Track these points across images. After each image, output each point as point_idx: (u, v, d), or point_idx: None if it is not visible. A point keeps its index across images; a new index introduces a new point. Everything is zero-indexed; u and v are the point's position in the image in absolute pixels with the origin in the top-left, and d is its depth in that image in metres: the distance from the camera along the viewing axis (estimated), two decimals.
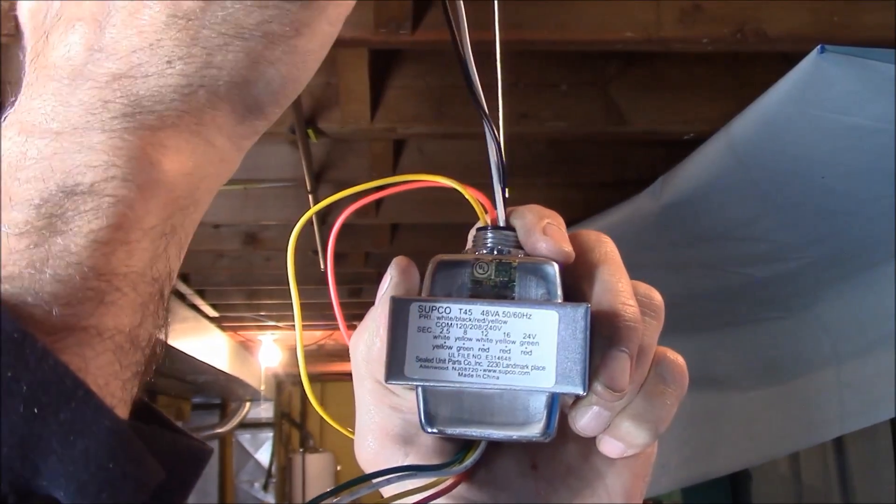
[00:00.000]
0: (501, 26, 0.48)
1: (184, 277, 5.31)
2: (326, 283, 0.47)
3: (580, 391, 0.37)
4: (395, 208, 3.88)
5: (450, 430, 0.39)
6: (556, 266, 0.39)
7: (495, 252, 0.40)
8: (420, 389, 0.39)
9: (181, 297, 5.80)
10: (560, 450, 0.43)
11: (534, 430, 0.38)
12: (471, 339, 0.38)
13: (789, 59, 1.66)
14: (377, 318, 0.41)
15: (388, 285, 0.41)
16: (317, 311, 7.44)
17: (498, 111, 0.46)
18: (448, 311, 0.38)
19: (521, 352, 0.37)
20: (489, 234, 0.41)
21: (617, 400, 0.39)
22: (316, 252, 4.36)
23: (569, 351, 0.37)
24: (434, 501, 0.40)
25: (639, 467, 0.44)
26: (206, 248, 4.76)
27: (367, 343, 0.42)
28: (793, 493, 4.77)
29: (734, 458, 3.44)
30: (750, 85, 2.11)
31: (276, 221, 4.20)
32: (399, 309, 0.38)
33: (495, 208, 0.42)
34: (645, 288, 0.41)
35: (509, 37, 1.79)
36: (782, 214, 2.29)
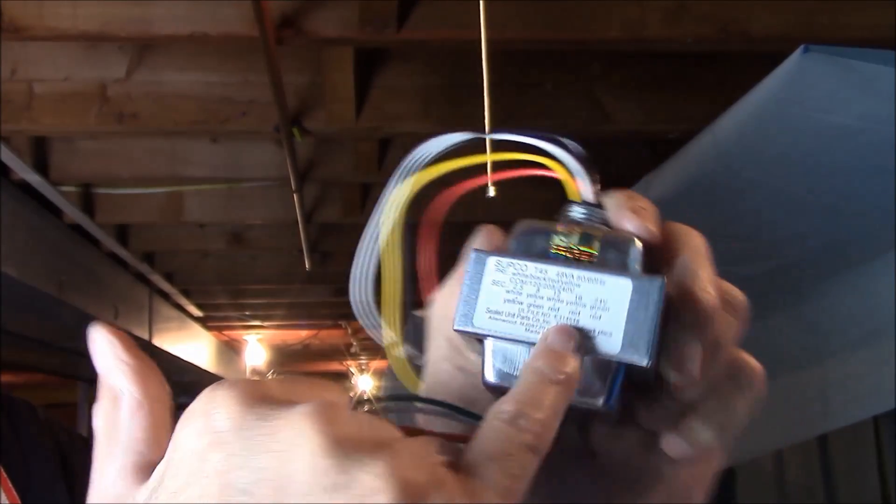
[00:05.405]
0: (486, 25, 0.48)
1: (168, 277, 5.29)
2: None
3: (644, 362, 0.36)
4: None
5: (508, 385, 0.37)
6: (638, 242, 0.39)
7: (581, 225, 0.41)
8: (487, 341, 0.39)
9: (166, 296, 5.78)
10: (620, 442, 0.42)
11: (594, 399, 0.37)
12: (542, 298, 0.38)
13: (774, 59, 1.67)
14: (456, 277, 0.42)
15: (471, 244, 0.42)
16: (303, 311, 7.42)
17: (484, 109, 0.46)
18: (524, 268, 0.38)
19: (590, 315, 0.37)
20: (578, 209, 0.41)
21: (685, 390, 0.38)
22: (301, 251, 4.35)
23: (638, 321, 0.37)
24: None
25: (700, 476, 0.42)
26: (190, 247, 4.74)
27: (445, 302, 0.42)
28: (777, 492, 4.79)
29: None
30: (734, 84, 2.12)
31: (260, 221, 4.19)
32: (478, 260, 0.39)
33: (581, 189, 0.42)
34: (728, 286, 0.40)
35: (494, 36, 1.79)
36: (766, 213, 2.30)
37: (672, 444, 0.40)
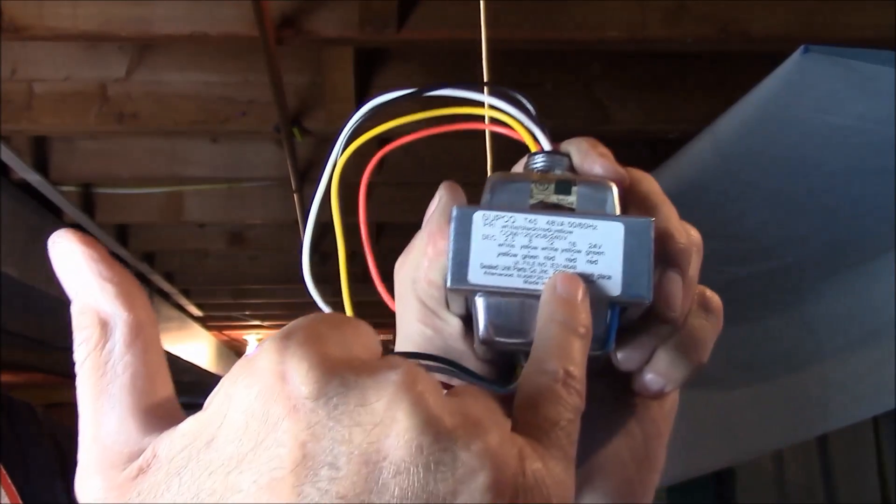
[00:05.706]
0: (487, 25, 0.49)
1: (168, 277, 5.29)
2: (360, 240, 0.48)
3: (646, 299, 0.37)
4: (381, 207, 3.88)
5: (509, 340, 0.38)
6: (614, 186, 0.40)
7: (551, 174, 0.41)
8: (482, 297, 0.38)
9: (166, 296, 5.78)
10: (595, 387, 0.39)
11: (596, 344, 0.37)
12: (536, 248, 0.38)
13: (774, 59, 1.67)
14: (424, 238, 0.41)
15: (437, 203, 0.42)
16: (303, 311, 7.39)
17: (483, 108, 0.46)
18: (513, 220, 0.38)
19: (587, 261, 0.38)
20: (543, 158, 0.42)
21: (668, 324, 0.39)
22: (301, 251, 4.34)
23: (635, 261, 0.37)
24: None
25: (668, 411, 0.44)
26: (191, 247, 4.74)
27: (414, 263, 0.42)
28: (777, 493, 4.79)
29: (717, 456, 3.45)
30: (734, 84, 2.12)
31: (260, 221, 4.18)
32: (462, 216, 0.38)
33: (538, 142, 0.43)
34: (686, 224, 0.42)
35: (494, 36, 1.79)
36: (766, 213, 2.29)
37: (650, 382, 0.40)
